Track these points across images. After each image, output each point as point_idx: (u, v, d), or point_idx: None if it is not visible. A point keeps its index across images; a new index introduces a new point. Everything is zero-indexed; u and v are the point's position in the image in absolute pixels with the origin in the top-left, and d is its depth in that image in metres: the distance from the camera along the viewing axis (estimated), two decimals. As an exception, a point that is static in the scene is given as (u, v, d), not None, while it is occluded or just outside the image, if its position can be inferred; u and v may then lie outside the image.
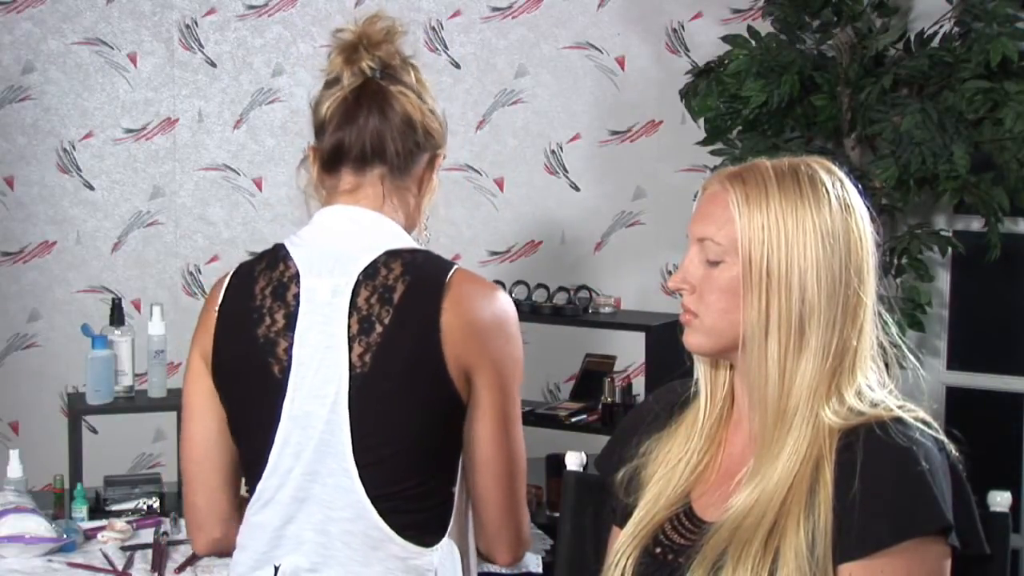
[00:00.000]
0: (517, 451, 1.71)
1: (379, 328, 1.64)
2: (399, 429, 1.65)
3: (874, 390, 1.49)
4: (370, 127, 1.71)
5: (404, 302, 1.64)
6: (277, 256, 1.73)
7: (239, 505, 1.77)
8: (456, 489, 1.71)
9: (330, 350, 1.65)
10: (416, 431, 1.65)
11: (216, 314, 1.73)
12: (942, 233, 3.57)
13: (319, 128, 1.75)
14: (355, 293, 1.65)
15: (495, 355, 1.67)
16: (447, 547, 1.68)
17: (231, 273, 1.78)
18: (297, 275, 1.69)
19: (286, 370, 1.67)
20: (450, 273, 1.67)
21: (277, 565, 1.68)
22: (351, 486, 1.64)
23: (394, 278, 1.65)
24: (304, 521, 1.68)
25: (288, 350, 1.67)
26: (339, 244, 1.70)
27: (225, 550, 1.80)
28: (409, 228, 1.77)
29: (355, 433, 1.64)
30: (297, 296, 1.68)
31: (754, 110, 3.56)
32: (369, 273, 1.66)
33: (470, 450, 1.69)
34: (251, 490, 1.73)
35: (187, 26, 4.12)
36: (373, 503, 1.64)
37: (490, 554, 1.76)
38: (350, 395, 1.64)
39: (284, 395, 1.67)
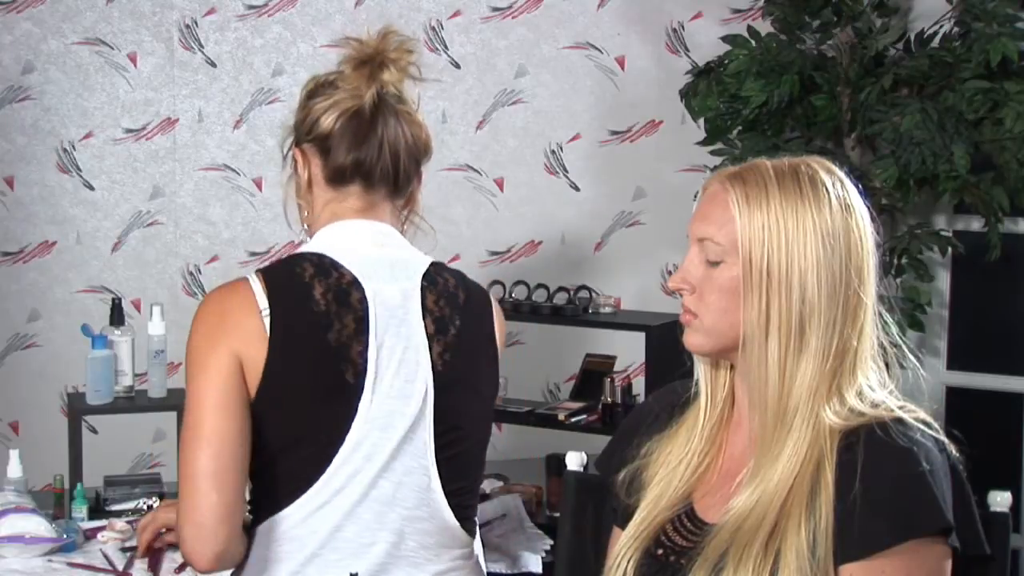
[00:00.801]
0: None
1: (453, 329, 1.74)
2: (472, 425, 1.76)
3: (875, 390, 1.49)
4: (388, 149, 1.75)
5: (468, 307, 1.77)
6: (323, 263, 1.71)
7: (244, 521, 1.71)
8: None
9: (408, 351, 1.70)
10: (483, 426, 1.80)
11: (264, 319, 1.66)
12: (942, 233, 3.56)
13: (321, 137, 1.76)
14: (424, 297, 1.74)
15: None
16: (479, 538, 1.82)
17: (257, 279, 1.70)
18: (356, 280, 1.70)
19: (361, 373, 1.67)
20: (480, 285, 1.86)
21: (354, 573, 1.67)
22: (429, 484, 1.70)
23: (453, 286, 1.78)
24: (371, 522, 1.67)
25: (363, 353, 1.67)
26: (387, 253, 1.75)
27: (227, 566, 1.69)
28: None
29: (437, 429, 1.71)
30: (363, 300, 1.69)
31: (754, 110, 3.56)
32: (430, 280, 1.76)
33: None
34: (286, 500, 1.68)
35: (187, 26, 4.12)
36: (449, 498, 1.72)
37: None
38: (436, 392, 1.71)
39: (359, 398, 1.66)
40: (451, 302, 1.75)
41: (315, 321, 1.67)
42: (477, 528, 1.80)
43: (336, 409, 1.66)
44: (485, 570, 1.83)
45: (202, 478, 1.62)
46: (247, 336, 1.65)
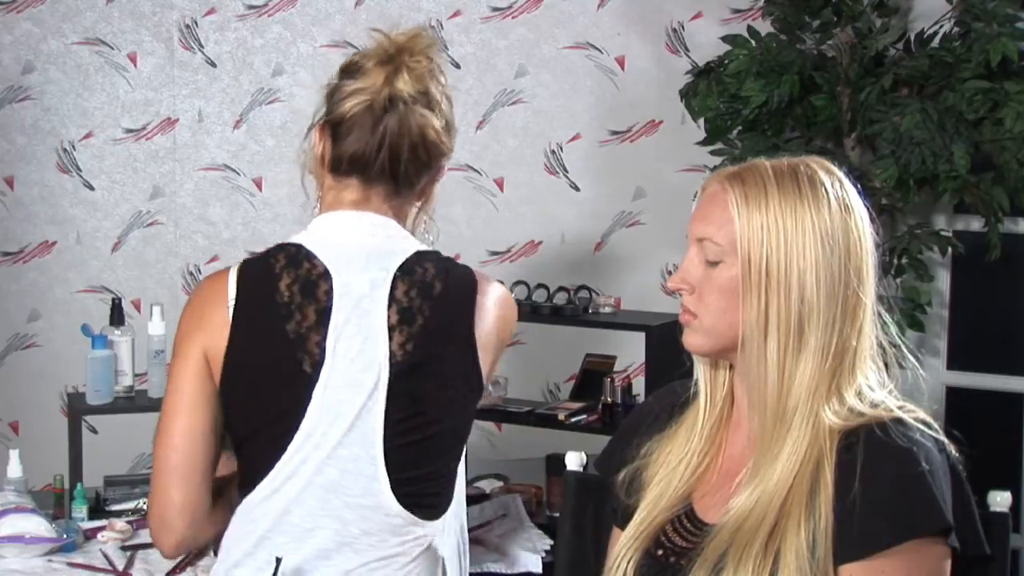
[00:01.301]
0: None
1: (420, 319, 1.72)
2: (441, 411, 1.74)
3: (874, 390, 1.49)
4: (389, 147, 1.76)
5: (443, 297, 1.74)
6: (298, 254, 1.76)
7: (211, 507, 1.78)
8: (459, 474, 1.81)
9: (368, 340, 1.71)
10: (448, 418, 1.75)
11: (230, 311, 1.75)
12: (942, 233, 3.56)
13: (337, 121, 1.78)
14: (394, 287, 1.73)
15: (503, 344, 1.83)
16: (449, 518, 1.77)
17: (235, 271, 1.80)
18: (326, 272, 1.73)
19: (318, 363, 1.71)
20: (474, 275, 1.79)
21: (279, 557, 1.69)
22: (374, 473, 1.70)
23: (431, 275, 1.74)
24: (315, 508, 1.71)
25: (320, 343, 1.71)
26: (368, 243, 1.76)
27: (190, 549, 1.84)
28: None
29: (388, 420, 1.71)
30: (329, 292, 1.72)
31: (754, 110, 3.56)
32: (406, 269, 1.74)
33: None
34: (249, 487, 1.74)
35: (187, 26, 4.12)
36: (395, 487, 1.71)
37: None
38: (390, 382, 1.70)
39: (314, 388, 1.70)
40: (424, 292, 1.73)
41: (276, 312, 1.72)
42: (447, 512, 1.77)
43: (292, 398, 1.71)
44: (443, 552, 1.78)
45: (165, 475, 1.74)
46: (214, 328, 1.75)
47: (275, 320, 1.72)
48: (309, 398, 1.70)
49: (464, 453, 1.81)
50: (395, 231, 1.78)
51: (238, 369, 1.73)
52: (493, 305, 1.80)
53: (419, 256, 1.76)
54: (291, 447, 1.70)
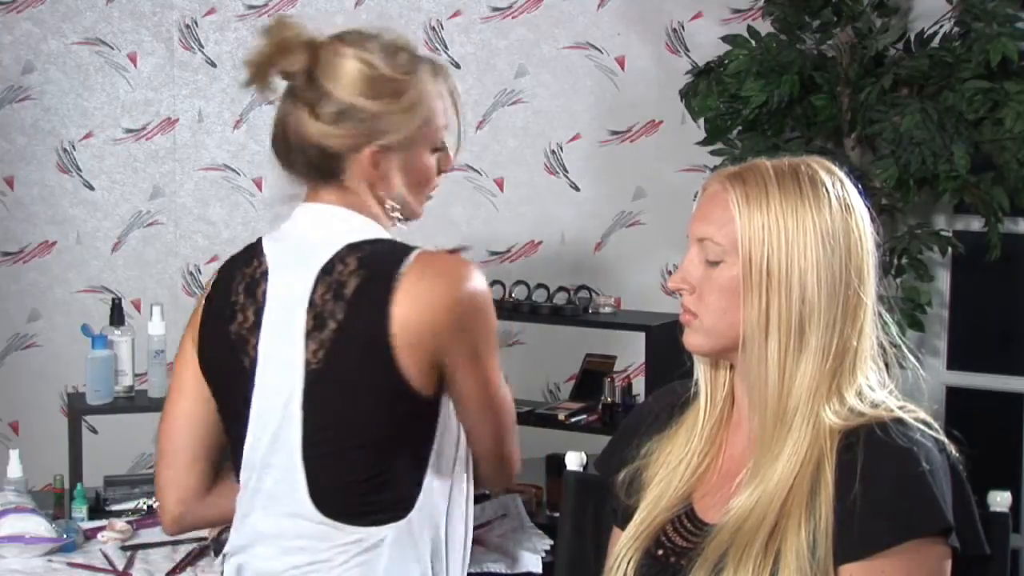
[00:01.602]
0: (502, 406, 1.75)
1: (332, 325, 1.63)
2: (351, 425, 1.65)
3: (874, 390, 1.49)
4: (284, 142, 1.75)
5: (356, 297, 1.63)
6: (253, 252, 1.77)
7: (209, 487, 1.82)
8: (427, 479, 1.70)
9: (288, 346, 1.67)
10: (370, 426, 1.65)
11: (203, 306, 1.80)
12: (942, 233, 3.56)
13: None
14: (314, 290, 1.66)
15: (460, 335, 1.65)
16: (414, 520, 1.69)
17: (218, 267, 1.83)
18: (266, 272, 1.73)
19: (253, 366, 1.71)
20: (406, 263, 1.64)
21: (240, 563, 1.74)
22: (295, 482, 1.68)
23: (348, 273, 1.65)
24: (260, 512, 1.73)
25: (255, 346, 1.71)
26: (309, 237, 1.72)
27: (190, 528, 1.88)
28: (407, 216, 1.77)
29: (307, 429, 1.66)
30: (264, 292, 1.72)
31: (754, 110, 3.56)
32: (327, 269, 1.66)
33: (458, 411, 1.73)
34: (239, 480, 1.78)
35: (187, 26, 4.12)
36: (316, 497, 1.67)
37: (485, 481, 1.83)
38: (304, 391, 1.66)
39: (252, 392, 1.71)
40: (336, 293, 1.63)
41: (225, 311, 1.74)
42: (408, 515, 1.68)
43: (241, 399, 1.72)
44: (402, 553, 1.70)
45: (158, 455, 1.83)
46: (196, 322, 1.80)
47: (224, 320, 1.74)
48: (250, 402, 1.71)
49: (428, 464, 1.70)
50: (342, 222, 1.71)
51: (204, 365, 1.77)
52: (430, 294, 1.63)
53: (348, 250, 1.66)
54: (245, 448, 1.73)
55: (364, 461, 1.66)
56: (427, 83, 1.74)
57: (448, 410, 1.72)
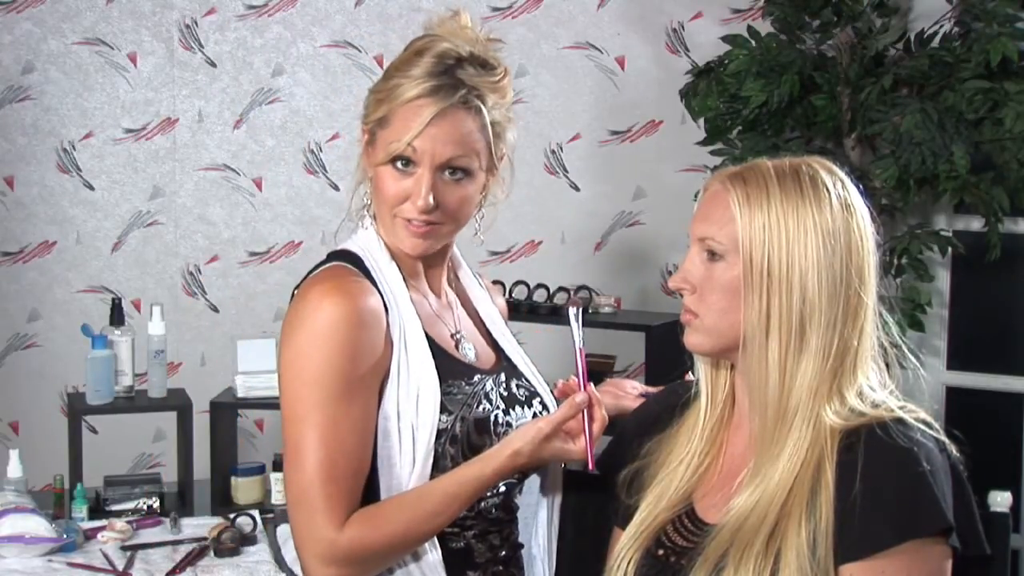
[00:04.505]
0: (290, 453, 1.60)
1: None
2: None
3: (875, 390, 1.50)
4: None
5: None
6: None
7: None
8: None
9: None
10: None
11: None
12: (942, 233, 3.56)
13: None
14: None
15: (288, 364, 1.62)
16: None
17: None
18: None
19: None
20: (299, 290, 1.66)
21: None
22: None
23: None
24: None
25: None
26: None
27: None
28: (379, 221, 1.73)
29: None
30: None
31: (754, 110, 3.56)
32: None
33: None
34: None
35: (187, 26, 4.12)
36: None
37: None
38: None
39: None
40: None
41: None
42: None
43: None
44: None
45: None
46: None
47: None
48: None
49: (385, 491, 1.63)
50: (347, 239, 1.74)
51: None
52: (288, 319, 1.63)
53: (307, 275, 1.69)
54: None
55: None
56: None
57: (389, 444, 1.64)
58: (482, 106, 1.65)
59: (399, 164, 1.65)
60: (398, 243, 1.69)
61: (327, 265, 1.68)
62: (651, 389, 1.83)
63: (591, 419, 1.60)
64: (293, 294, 1.67)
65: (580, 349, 1.67)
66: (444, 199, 1.66)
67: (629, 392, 1.86)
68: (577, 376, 1.67)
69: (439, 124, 1.62)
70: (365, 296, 1.62)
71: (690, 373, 1.65)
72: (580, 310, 1.65)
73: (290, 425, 1.59)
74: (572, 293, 3.61)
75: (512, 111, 1.72)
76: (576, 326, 1.65)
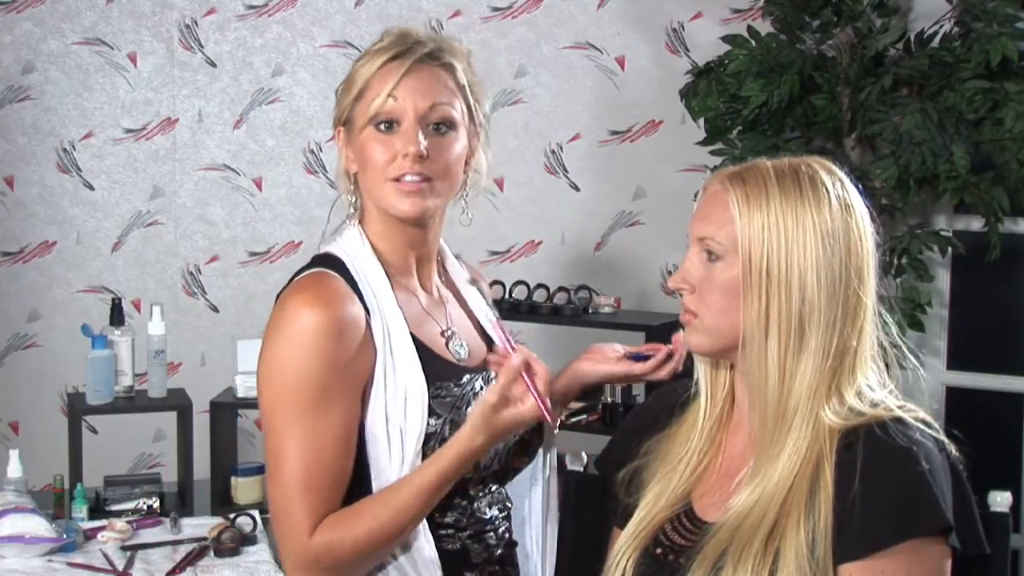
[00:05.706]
0: (271, 464, 1.61)
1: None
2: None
3: (874, 390, 1.49)
4: None
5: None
6: None
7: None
8: None
9: None
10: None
11: None
12: (942, 233, 3.56)
13: None
14: None
15: (267, 374, 1.61)
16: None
17: None
18: None
19: None
20: (281, 296, 1.65)
21: None
22: None
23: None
24: None
25: None
26: None
27: None
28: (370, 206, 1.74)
29: None
30: None
31: (754, 110, 3.56)
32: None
33: None
34: None
35: (187, 26, 4.12)
36: None
37: None
38: None
39: None
40: None
41: None
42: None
43: None
44: None
45: None
46: None
47: None
48: None
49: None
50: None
51: None
52: (268, 327, 1.63)
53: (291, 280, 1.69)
54: None
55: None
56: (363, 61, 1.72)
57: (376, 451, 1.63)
58: (454, 63, 1.73)
59: (382, 127, 1.67)
60: (394, 209, 1.68)
61: (308, 272, 1.67)
62: (633, 349, 1.79)
63: (532, 376, 1.58)
64: (277, 299, 1.67)
65: (493, 321, 1.72)
66: (433, 152, 1.67)
67: (610, 356, 1.82)
68: (502, 343, 1.65)
69: (415, 76, 1.68)
70: (344, 304, 1.61)
71: (680, 334, 1.62)
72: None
73: (270, 436, 1.60)
74: (572, 293, 3.62)
75: (483, 87, 1.79)
76: (487, 303, 1.79)
